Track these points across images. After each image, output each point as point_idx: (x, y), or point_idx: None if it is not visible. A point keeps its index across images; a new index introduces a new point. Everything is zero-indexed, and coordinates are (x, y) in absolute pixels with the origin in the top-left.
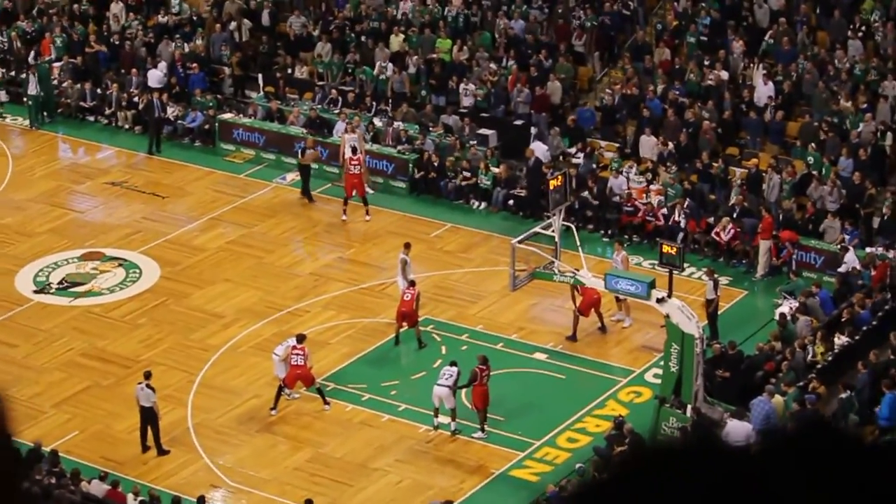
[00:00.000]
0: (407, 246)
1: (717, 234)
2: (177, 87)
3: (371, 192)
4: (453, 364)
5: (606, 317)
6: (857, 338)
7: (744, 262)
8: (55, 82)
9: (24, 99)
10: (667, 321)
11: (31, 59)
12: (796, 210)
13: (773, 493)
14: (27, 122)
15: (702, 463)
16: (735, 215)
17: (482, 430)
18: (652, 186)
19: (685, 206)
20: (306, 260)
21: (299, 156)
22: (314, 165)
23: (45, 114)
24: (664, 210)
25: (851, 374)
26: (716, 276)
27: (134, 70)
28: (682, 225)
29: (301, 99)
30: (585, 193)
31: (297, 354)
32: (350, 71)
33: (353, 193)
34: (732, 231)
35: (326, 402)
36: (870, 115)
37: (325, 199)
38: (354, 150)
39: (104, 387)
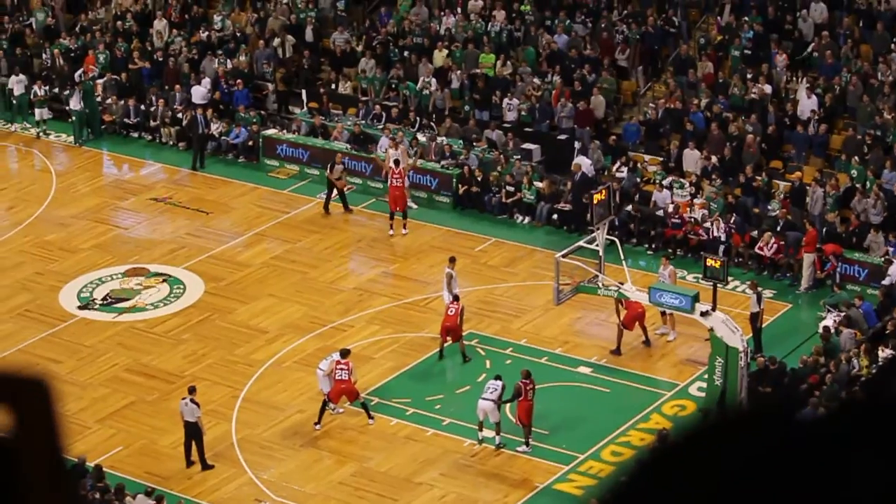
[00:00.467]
0: (452, 260)
1: (761, 248)
2: (221, 104)
3: (414, 207)
4: (498, 378)
5: (651, 330)
6: None
7: (788, 275)
8: (98, 99)
9: (69, 114)
10: (711, 334)
11: (77, 77)
12: (840, 223)
13: (829, 465)
14: (71, 138)
15: (766, 428)
16: (779, 228)
17: (527, 444)
18: (696, 200)
19: (731, 221)
20: (350, 275)
21: (328, 171)
22: (345, 180)
23: (89, 130)
24: (708, 224)
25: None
26: (759, 289)
27: (177, 86)
28: (723, 239)
29: (345, 114)
30: (629, 207)
31: (342, 369)
32: (394, 86)
33: (397, 208)
34: (776, 245)
35: (371, 417)
36: None
37: (368, 214)
38: (397, 163)
39: (148, 402)
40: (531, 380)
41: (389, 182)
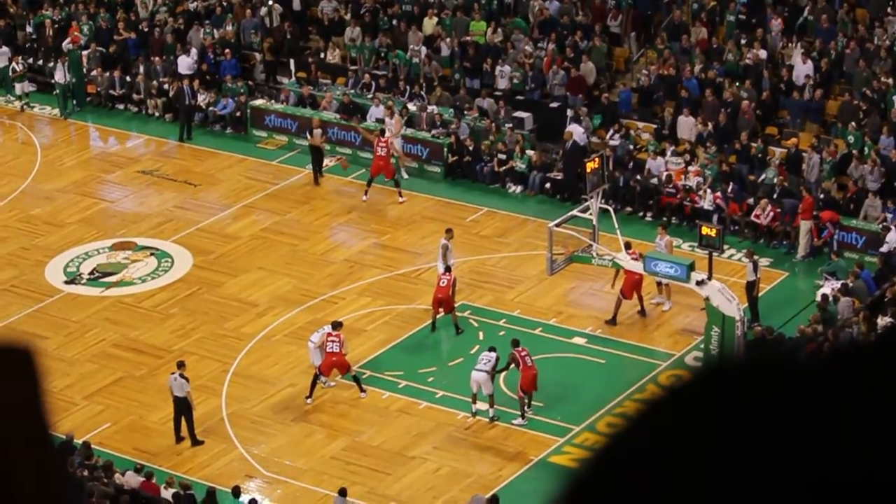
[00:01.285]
0: (448, 231)
1: (757, 216)
2: (208, 75)
3: (406, 177)
4: (492, 349)
5: (647, 300)
6: None
7: (784, 243)
8: (83, 70)
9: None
10: (707, 304)
11: (64, 47)
12: (837, 190)
13: (832, 415)
14: (55, 111)
15: (764, 374)
16: (775, 196)
17: (522, 416)
18: (690, 168)
19: (729, 190)
20: (341, 247)
21: (308, 137)
22: (326, 146)
23: (74, 102)
24: (701, 191)
25: None
26: (756, 257)
27: (157, 59)
28: (711, 207)
29: (333, 84)
30: (623, 175)
31: (333, 342)
32: (383, 55)
33: (379, 176)
34: (772, 213)
35: (363, 390)
36: None
37: (358, 185)
38: (383, 133)
39: (137, 377)
40: (523, 347)
41: (375, 150)
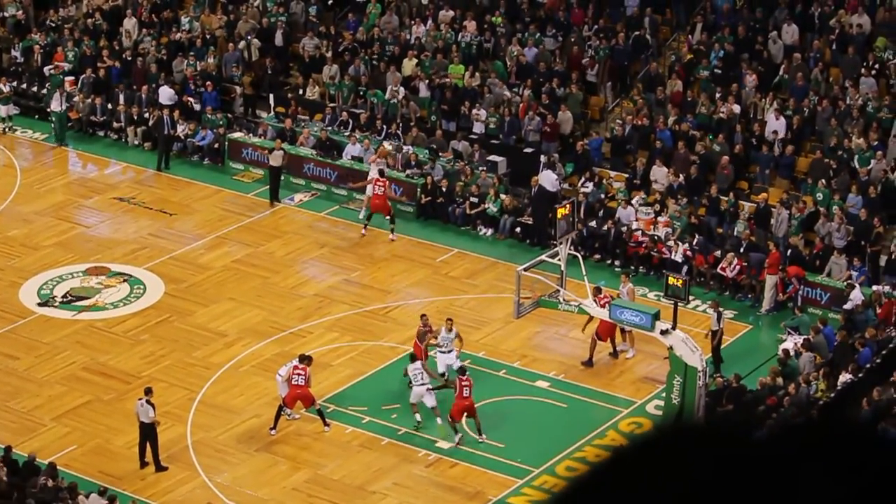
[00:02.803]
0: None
1: (723, 268)
2: (189, 105)
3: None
4: (413, 359)
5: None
6: (860, 375)
7: (749, 296)
8: (67, 95)
9: (49, 114)
10: (670, 353)
11: (46, 72)
12: (804, 246)
13: (781, 480)
14: (37, 134)
15: (703, 446)
16: (742, 250)
17: (456, 441)
18: (660, 218)
19: (694, 242)
20: (311, 281)
21: (269, 158)
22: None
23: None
24: (670, 242)
25: (854, 411)
26: (720, 308)
27: (144, 87)
28: (681, 259)
29: (311, 120)
30: (593, 223)
31: (299, 375)
32: (361, 94)
33: (377, 212)
34: (738, 266)
35: (326, 424)
36: (881, 153)
37: (331, 221)
38: (382, 173)
39: (105, 401)
40: (467, 377)
41: (373, 191)
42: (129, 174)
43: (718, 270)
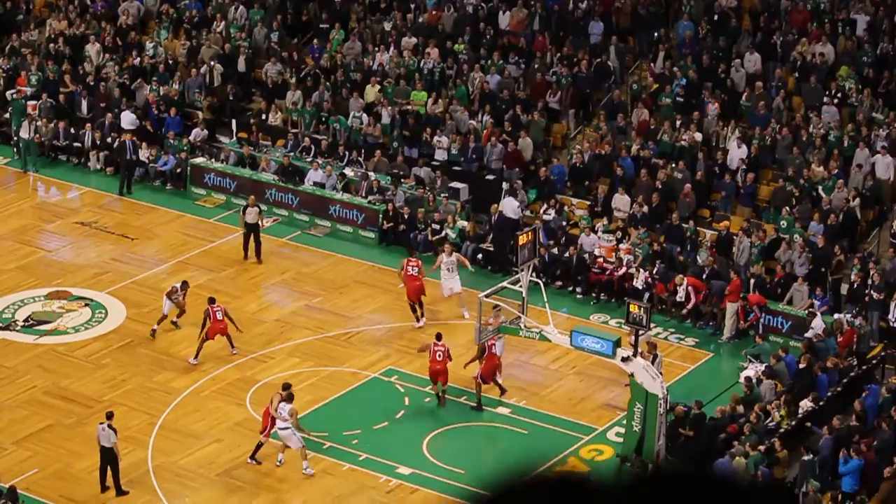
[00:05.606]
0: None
1: (678, 292)
2: (151, 130)
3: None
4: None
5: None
6: (821, 403)
7: (710, 324)
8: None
9: (14, 140)
10: (631, 380)
11: (8, 96)
12: (765, 273)
13: None
14: (4, 160)
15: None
16: (704, 277)
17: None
18: (621, 245)
19: (655, 270)
20: (273, 307)
21: (241, 214)
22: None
23: (17, 150)
24: (631, 270)
25: (814, 439)
26: (658, 351)
27: (109, 115)
28: (642, 287)
29: (274, 146)
30: (555, 250)
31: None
32: (324, 120)
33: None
34: (689, 287)
35: (255, 459)
36: (842, 182)
37: (293, 247)
38: (412, 253)
39: (66, 426)
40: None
41: (405, 271)
42: (91, 199)
43: (677, 299)
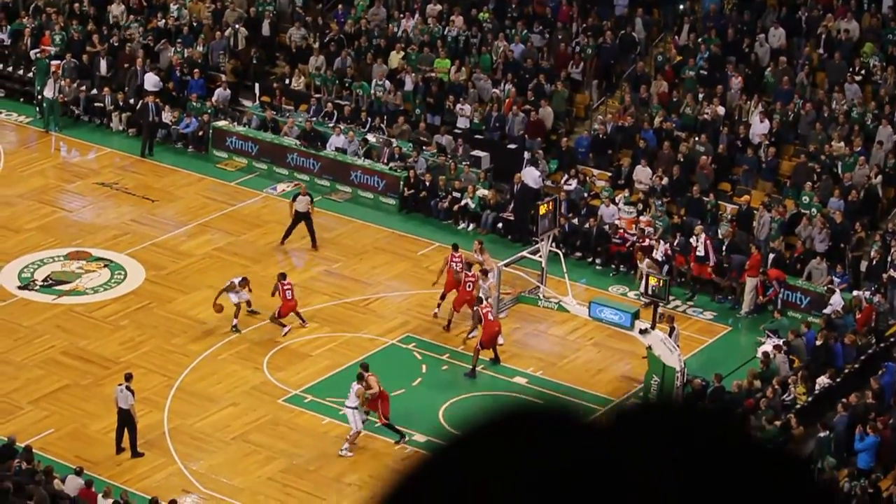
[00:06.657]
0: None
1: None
2: (174, 92)
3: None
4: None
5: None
6: (838, 380)
7: (729, 298)
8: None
9: (38, 99)
10: (649, 352)
11: (32, 55)
12: (785, 249)
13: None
14: (21, 117)
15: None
16: (723, 249)
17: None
18: (642, 217)
19: (675, 242)
20: (292, 272)
21: (291, 200)
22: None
23: (40, 110)
24: (651, 242)
25: (830, 415)
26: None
27: (131, 73)
28: (661, 258)
29: (296, 110)
30: (575, 220)
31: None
32: (347, 85)
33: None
34: (707, 242)
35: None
36: (863, 159)
37: (314, 212)
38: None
39: (83, 386)
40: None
41: (447, 267)
42: (112, 160)
43: (697, 253)
